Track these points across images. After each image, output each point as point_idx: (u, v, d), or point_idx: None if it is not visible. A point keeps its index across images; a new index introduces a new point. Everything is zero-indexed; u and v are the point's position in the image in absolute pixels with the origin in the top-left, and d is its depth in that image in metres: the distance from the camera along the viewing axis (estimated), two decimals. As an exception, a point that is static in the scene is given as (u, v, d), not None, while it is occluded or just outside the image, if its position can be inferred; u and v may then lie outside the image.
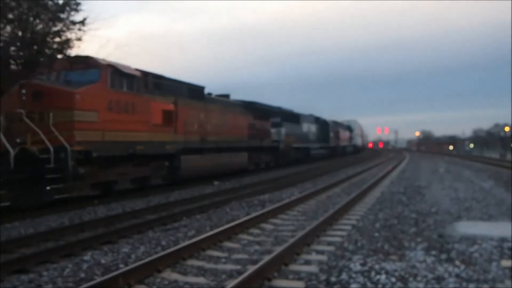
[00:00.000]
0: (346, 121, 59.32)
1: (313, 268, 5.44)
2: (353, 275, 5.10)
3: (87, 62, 12.28)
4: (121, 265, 5.85)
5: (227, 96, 22.19)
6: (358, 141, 67.52)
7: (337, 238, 7.08)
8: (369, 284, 4.82)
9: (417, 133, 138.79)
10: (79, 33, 24.95)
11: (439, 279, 4.94)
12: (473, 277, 4.99)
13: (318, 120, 38.80)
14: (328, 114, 57.70)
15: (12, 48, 20.95)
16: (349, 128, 57.13)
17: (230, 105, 21.25)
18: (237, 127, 20.40)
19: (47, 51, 19.27)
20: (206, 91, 18.90)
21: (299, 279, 5.09)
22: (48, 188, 10.09)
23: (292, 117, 30.83)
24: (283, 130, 27.53)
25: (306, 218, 9.18)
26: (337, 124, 47.92)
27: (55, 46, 23.41)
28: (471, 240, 6.72)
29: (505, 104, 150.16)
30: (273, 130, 25.77)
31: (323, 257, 5.94)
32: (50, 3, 23.75)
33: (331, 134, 41.70)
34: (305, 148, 32.75)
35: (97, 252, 6.62)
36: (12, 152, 10.04)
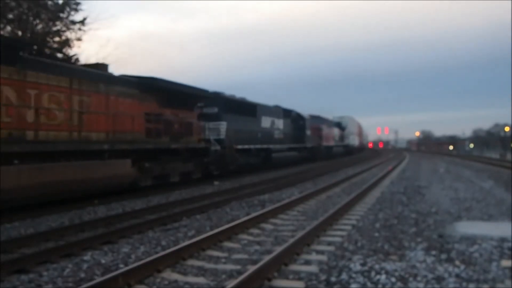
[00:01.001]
0: (338, 117, 52.18)
1: (313, 268, 5.44)
2: (353, 275, 5.10)
3: None
4: (121, 265, 5.84)
5: (105, 67, 13.92)
6: (354, 141, 58.06)
7: (337, 238, 7.08)
8: (369, 284, 4.82)
9: (417, 133, 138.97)
10: (79, 33, 25.02)
11: (439, 279, 4.94)
12: (473, 277, 4.99)
13: (288, 114, 29.97)
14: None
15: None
16: (338, 125, 48.69)
17: (104, 81, 12.61)
18: (117, 117, 12.67)
19: (47, 51, 19.32)
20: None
21: (299, 279, 5.09)
22: None
23: (243, 108, 22.42)
24: (223, 126, 19.73)
25: (306, 218, 9.18)
26: (318, 119, 38.84)
27: (55, 45, 23.45)
28: (471, 240, 6.72)
29: (505, 104, 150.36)
30: (209, 125, 18.30)
31: (323, 257, 5.94)
32: (50, 3, 23.80)
33: (308, 132, 33.03)
34: (262, 150, 24.11)
35: (97, 252, 6.62)
36: None
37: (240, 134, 20.96)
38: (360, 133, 69.49)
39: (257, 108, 24.35)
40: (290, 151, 28.92)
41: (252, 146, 22.48)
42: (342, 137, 49.08)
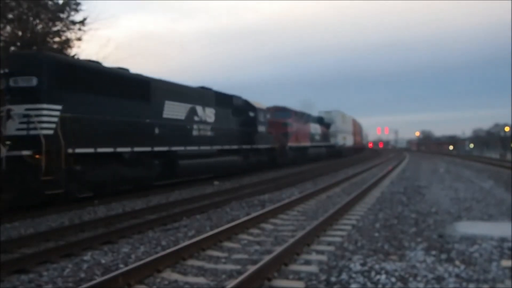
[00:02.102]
0: (323, 112, 43.87)
1: (313, 268, 5.44)
2: (353, 275, 5.10)
3: None
4: (121, 265, 5.84)
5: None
6: (345, 141, 47.96)
7: (337, 238, 7.08)
8: (369, 284, 4.82)
9: (417, 133, 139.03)
10: (79, 33, 25.04)
11: (439, 279, 4.93)
12: (473, 277, 4.99)
13: (226, 101, 20.49)
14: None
15: (12, 48, 20.95)
16: (320, 121, 38.94)
17: None
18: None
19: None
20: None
21: (299, 279, 5.09)
22: None
23: (113, 83, 12.99)
24: (48, 111, 10.78)
25: (306, 218, 9.18)
26: (282, 112, 29.88)
27: (55, 46, 23.44)
28: (471, 240, 6.72)
29: (505, 104, 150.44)
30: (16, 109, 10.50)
31: (323, 257, 5.94)
32: (50, 3, 23.81)
33: (262, 128, 24.11)
34: (160, 156, 14.81)
35: (97, 252, 6.62)
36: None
37: (99, 128, 11.94)
38: (357, 132, 61.08)
39: (152, 86, 14.67)
40: (226, 155, 19.49)
41: (129, 149, 13.07)
42: (325, 136, 39.51)
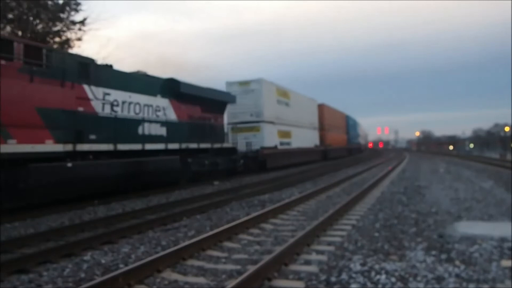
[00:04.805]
0: (234, 82, 24.96)
1: (313, 268, 5.44)
2: (353, 275, 5.10)
3: None
4: (121, 265, 5.85)
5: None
6: (291, 140, 29.15)
7: (337, 238, 7.08)
8: (369, 284, 4.82)
9: (417, 133, 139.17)
10: (79, 33, 25.06)
11: (439, 279, 4.93)
12: (473, 277, 4.99)
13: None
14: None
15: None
16: (177, 94, 16.85)
17: None
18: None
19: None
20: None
21: (299, 279, 5.09)
22: None
23: None
24: None
25: (306, 218, 9.18)
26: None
27: (55, 46, 23.46)
28: (471, 240, 6.72)
29: (505, 104, 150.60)
30: None
31: (323, 257, 5.94)
32: (50, 3, 23.82)
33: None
34: None
35: (97, 252, 6.62)
36: None
37: None
38: (335, 125, 43.39)
39: None
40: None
41: None
42: (201, 131, 19.73)
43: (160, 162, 14.91)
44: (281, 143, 27.47)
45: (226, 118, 22.53)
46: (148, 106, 15.02)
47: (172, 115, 16.34)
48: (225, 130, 21.59)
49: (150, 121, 14.93)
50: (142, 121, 14.53)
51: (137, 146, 14.05)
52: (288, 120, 29.16)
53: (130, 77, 14.57)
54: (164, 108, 15.88)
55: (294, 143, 29.88)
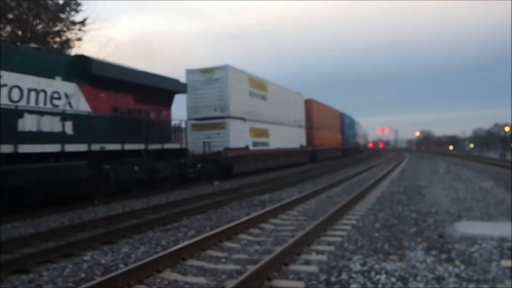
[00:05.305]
0: (205, 68, 20.89)
1: (313, 268, 5.44)
2: (353, 275, 5.09)
3: None
4: (121, 265, 5.84)
5: None
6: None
7: (337, 238, 7.07)
8: (369, 284, 4.82)
9: (417, 133, 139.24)
10: (79, 33, 25.07)
11: (439, 279, 4.93)
12: (473, 277, 4.99)
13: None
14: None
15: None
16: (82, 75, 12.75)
17: None
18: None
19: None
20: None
21: (299, 279, 5.09)
22: None
23: None
24: None
25: (306, 218, 9.18)
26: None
27: (55, 46, 23.49)
28: (471, 240, 6.72)
29: (505, 104, 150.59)
30: None
31: (323, 257, 5.94)
32: (50, 3, 23.84)
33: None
34: None
35: (97, 252, 6.62)
36: None
37: None
38: (324, 123, 38.48)
39: None
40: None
41: None
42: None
43: (50, 170, 10.67)
44: (255, 143, 23.12)
45: (184, 112, 19.79)
46: (38, 91, 10.90)
47: (82, 106, 12.34)
48: (182, 127, 17.60)
49: (38, 113, 10.80)
50: (20, 112, 10.35)
51: (6, 148, 9.79)
52: (264, 116, 24.60)
53: (7, 50, 10.54)
54: (68, 95, 11.79)
55: (273, 143, 25.50)
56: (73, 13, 24.79)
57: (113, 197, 12.67)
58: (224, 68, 20.60)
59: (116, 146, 13.04)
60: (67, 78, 11.85)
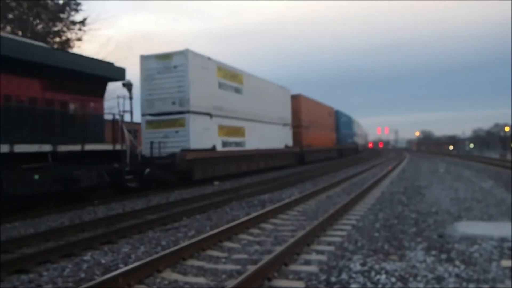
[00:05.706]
0: (162, 54, 17.31)
1: (313, 268, 5.44)
2: (353, 275, 5.09)
3: None
4: (121, 265, 5.84)
5: None
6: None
7: (337, 238, 7.07)
8: (369, 284, 4.82)
9: (417, 133, 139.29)
10: (79, 33, 25.10)
11: (439, 279, 4.93)
12: (473, 277, 4.99)
13: None
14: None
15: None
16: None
17: None
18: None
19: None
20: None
21: (299, 279, 5.09)
22: None
23: None
24: None
25: (306, 218, 9.18)
26: None
27: (55, 46, 23.48)
28: (471, 240, 6.72)
29: (505, 104, 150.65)
30: None
31: (323, 257, 5.94)
32: (50, 3, 23.86)
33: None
34: None
35: (97, 252, 6.62)
36: None
37: None
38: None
39: None
40: None
41: None
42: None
43: None
44: (225, 144, 19.76)
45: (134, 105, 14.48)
46: None
47: None
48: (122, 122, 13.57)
49: None
50: None
51: None
52: (239, 112, 21.10)
53: None
54: None
55: (249, 143, 22.00)
56: (73, 13, 24.81)
57: (113, 197, 12.68)
58: (184, 53, 16.91)
59: (3, 148, 9.47)
60: None
